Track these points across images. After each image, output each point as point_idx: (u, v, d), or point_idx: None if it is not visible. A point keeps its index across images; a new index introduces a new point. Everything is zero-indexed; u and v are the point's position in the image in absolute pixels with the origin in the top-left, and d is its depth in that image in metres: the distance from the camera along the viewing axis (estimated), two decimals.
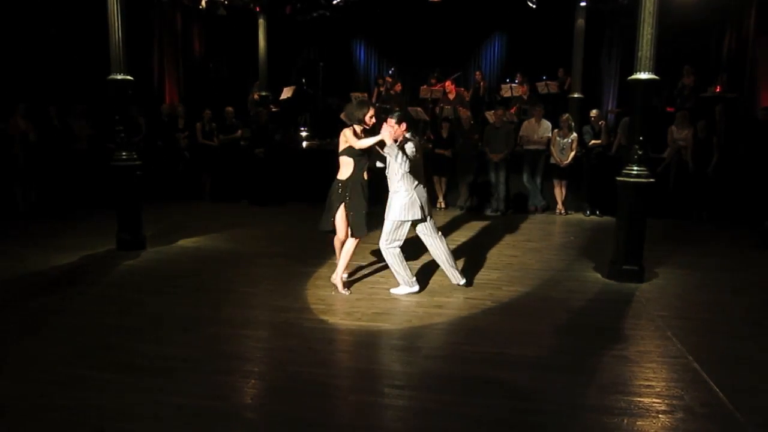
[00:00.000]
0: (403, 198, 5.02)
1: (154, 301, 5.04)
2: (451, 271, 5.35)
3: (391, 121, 4.94)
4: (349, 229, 5.22)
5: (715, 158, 8.61)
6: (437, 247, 5.27)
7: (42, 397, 3.37)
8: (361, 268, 6.03)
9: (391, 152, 4.88)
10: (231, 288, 5.42)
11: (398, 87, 12.36)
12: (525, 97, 11.51)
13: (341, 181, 5.20)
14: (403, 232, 5.13)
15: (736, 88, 10.27)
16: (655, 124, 6.98)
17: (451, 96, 11.45)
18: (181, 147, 10.11)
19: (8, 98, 8.67)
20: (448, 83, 11.71)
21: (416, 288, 5.25)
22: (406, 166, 4.90)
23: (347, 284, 5.37)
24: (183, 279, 5.71)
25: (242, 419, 3.24)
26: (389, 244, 5.11)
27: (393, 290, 5.27)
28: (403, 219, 5.04)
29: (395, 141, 4.95)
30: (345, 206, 5.16)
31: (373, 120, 5.18)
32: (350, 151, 5.10)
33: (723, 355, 4.10)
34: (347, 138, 5.09)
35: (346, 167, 5.18)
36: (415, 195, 5.04)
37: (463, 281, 5.38)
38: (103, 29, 6.45)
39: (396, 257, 5.14)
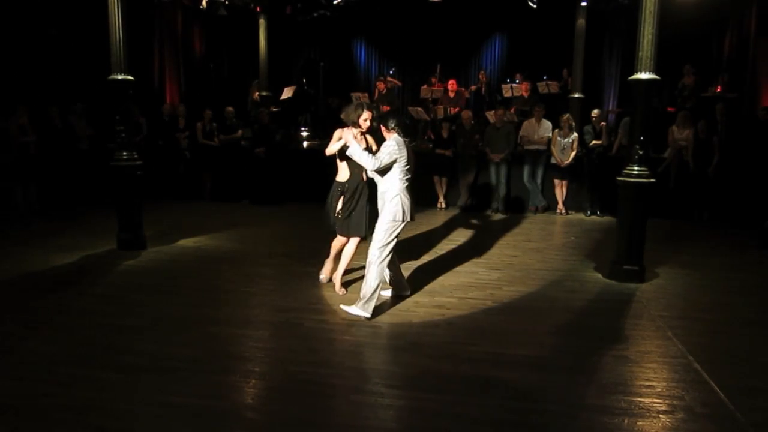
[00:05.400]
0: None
1: (154, 301, 5.03)
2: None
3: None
4: (350, 230, 5.14)
5: (715, 158, 8.60)
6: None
7: (43, 397, 3.37)
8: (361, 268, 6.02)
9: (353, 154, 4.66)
10: (231, 288, 5.42)
11: (380, 85, 12.19)
12: (526, 95, 11.49)
13: (340, 183, 5.17)
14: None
15: (737, 88, 10.27)
16: (655, 124, 6.97)
17: (452, 95, 11.47)
18: (181, 147, 10.12)
19: (9, 98, 8.67)
20: (452, 82, 11.69)
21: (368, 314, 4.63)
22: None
23: (344, 284, 5.35)
24: (183, 279, 5.72)
25: (242, 419, 3.23)
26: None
27: (345, 307, 4.72)
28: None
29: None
30: (346, 207, 5.08)
31: (368, 123, 5.01)
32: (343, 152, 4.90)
33: (723, 355, 4.10)
34: (334, 139, 5.03)
35: (343, 169, 5.16)
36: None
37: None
38: (103, 29, 6.46)
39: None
